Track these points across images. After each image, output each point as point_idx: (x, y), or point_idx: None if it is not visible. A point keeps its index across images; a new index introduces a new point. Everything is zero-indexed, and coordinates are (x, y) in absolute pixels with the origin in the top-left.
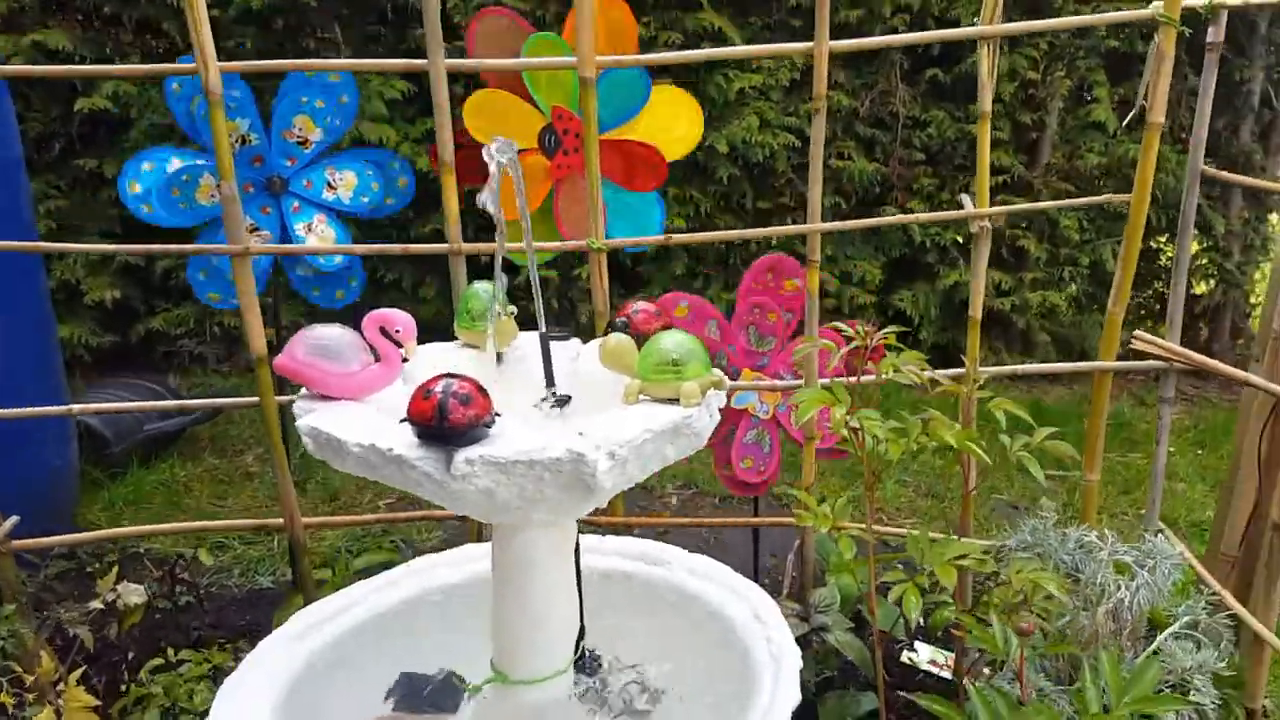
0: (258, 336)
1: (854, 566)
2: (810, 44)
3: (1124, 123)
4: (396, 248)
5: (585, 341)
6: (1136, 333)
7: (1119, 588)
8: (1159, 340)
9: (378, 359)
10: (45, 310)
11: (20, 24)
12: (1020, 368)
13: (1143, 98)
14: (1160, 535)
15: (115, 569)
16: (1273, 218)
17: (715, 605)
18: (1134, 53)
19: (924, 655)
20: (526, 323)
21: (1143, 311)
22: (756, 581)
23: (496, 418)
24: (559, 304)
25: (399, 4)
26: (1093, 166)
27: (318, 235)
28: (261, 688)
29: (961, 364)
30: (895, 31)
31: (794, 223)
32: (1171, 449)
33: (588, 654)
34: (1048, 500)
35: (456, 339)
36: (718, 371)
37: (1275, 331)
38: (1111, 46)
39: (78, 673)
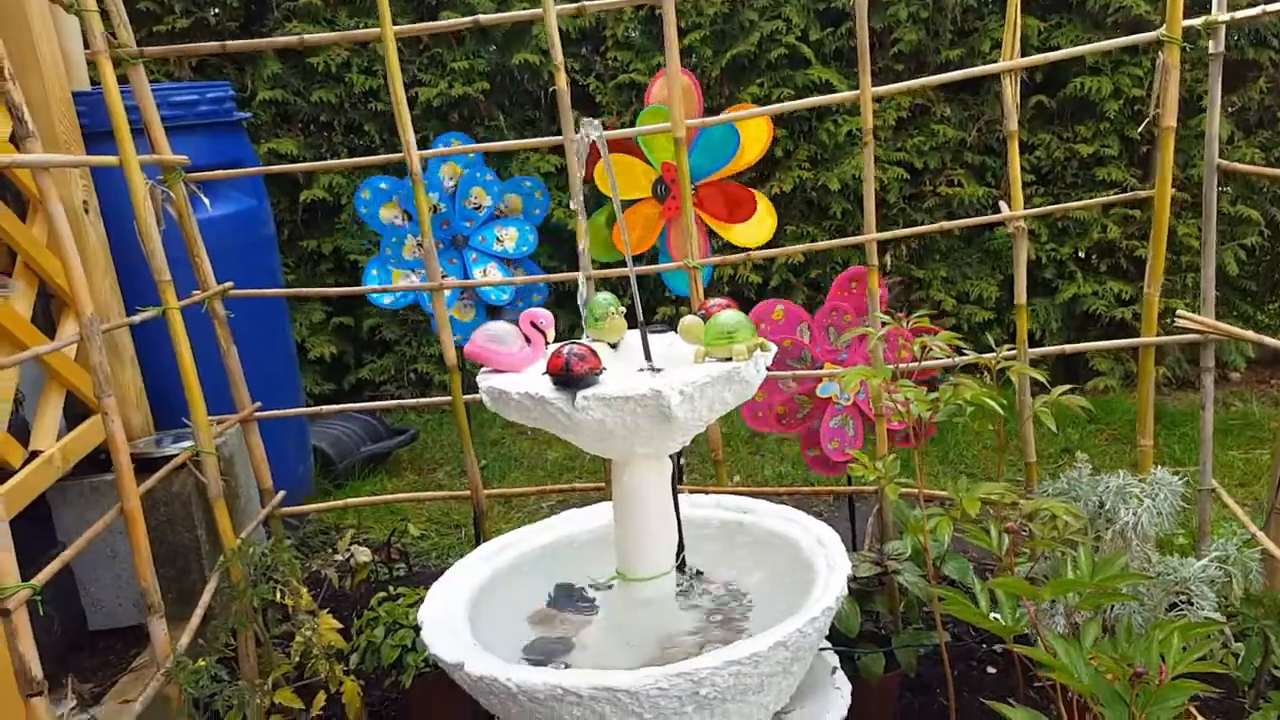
0: (450, 351)
1: (921, 525)
2: (855, 92)
3: (1139, 128)
4: (544, 277)
5: None
6: (1179, 311)
7: (1127, 512)
8: (1196, 316)
9: (529, 343)
10: (292, 356)
11: (259, 136)
12: (1067, 347)
13: (1155, 106)
14: (1212, 493)
15: (350, 533)
16: None
17: (788, 537)
18: (1245, 60)
19: None
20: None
21: None
22: (852, 544)
23: (604, 371)
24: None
25: (549, 92)
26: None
27: (490, 277)
28: (458, 590)
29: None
30: None
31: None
32: None
33: (688, 564)
34: (1081, 454)
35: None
36: (765, 340)
37: None
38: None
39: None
